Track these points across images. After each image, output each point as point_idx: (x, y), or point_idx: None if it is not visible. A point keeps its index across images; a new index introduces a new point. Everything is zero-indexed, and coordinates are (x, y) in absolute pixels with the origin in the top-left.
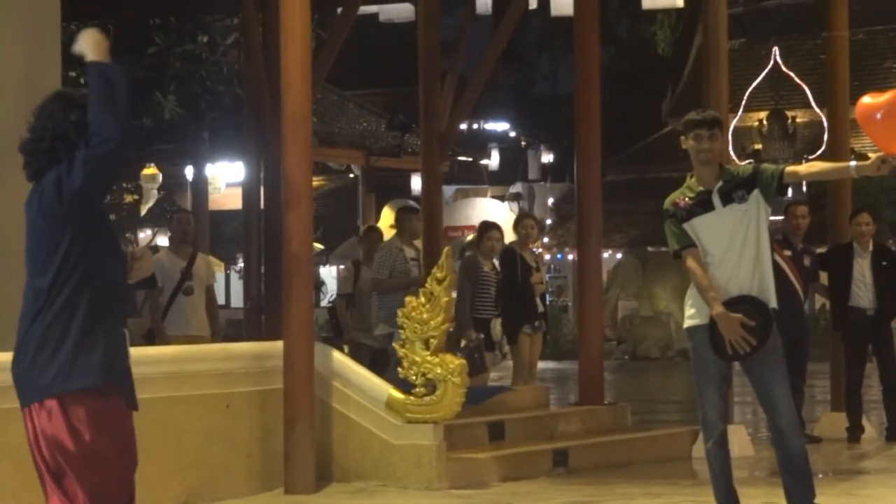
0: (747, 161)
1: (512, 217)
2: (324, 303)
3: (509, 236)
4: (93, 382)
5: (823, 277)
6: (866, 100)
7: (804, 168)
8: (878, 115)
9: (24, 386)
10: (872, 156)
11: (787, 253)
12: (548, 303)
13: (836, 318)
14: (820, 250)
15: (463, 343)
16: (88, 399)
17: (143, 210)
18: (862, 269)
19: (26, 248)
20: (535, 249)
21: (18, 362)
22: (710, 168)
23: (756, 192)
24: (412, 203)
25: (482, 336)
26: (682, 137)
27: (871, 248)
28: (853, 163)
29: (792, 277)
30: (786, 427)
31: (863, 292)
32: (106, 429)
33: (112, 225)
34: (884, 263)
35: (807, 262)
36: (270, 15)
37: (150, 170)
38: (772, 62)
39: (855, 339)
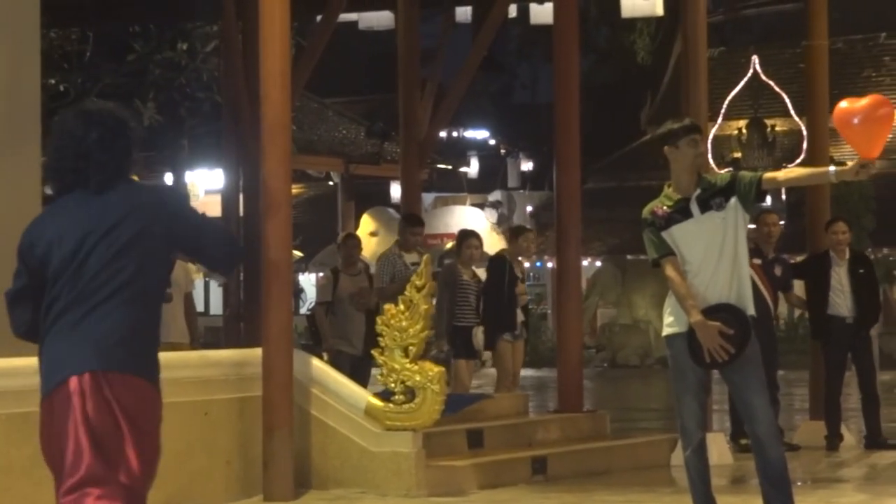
0: (726, 169)
1: (490, 225)
2: (303, 310)
3: (487, 244)
4: (154, 379)
5: (799, 286)
6: (843, 105)
7: (783, 174)
8: (856, 120)
9: (94, 354)
10: (850, 163)
11: (757, 262)
12: (529, 312)
13: (815, 327)
14: (798, 259)
15: (433, 352)
16: (143, 385)
17: None
18: (839, 277)
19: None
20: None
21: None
22: (692, 175)
23: (734, 200)
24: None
25: (451, 351)
26: (668, 147)
27: (847, 256)
28: (832, 168)
29: (761, 286)
30: (764, 435)
31: (841, 300)
32: (157, 418)
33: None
34: (861, 271)
35: (778, 271)
36: (250, 22)
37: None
38: (751, 71)
39: (834, 347)
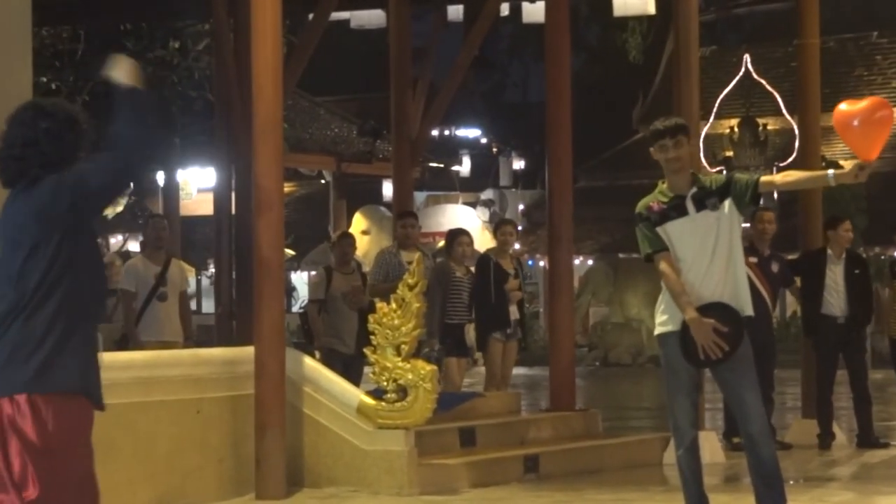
0: (718, 168)
1: (482, 223)
2: (295, 308)
3: (479, 242)
4: (69, 386)
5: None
6: (843, 107)
7: (780, 178)
8: (855, 123)
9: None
10: (844, 163)
11: (753, 260)
12: (525, 309)
13: (808, 325)
14: (791, 257)
15: (425, 350)
16: (59, 401)
17: (111, 214)
18: (835, 276)
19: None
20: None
21: None
22: (682, 175)
23: (729, 201)
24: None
25: (443, 349)
26: (651, 149)
27: (843, 255)
28: (831, 172)
29: (759, 284)
30: (757, 434)
31: (835, 300)
32: (71, 432)
33: (96, 233)
34: (856, 272)
35: (775, 268)
36: (242, 20)
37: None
38: (743, 69)
39: (826, 346)
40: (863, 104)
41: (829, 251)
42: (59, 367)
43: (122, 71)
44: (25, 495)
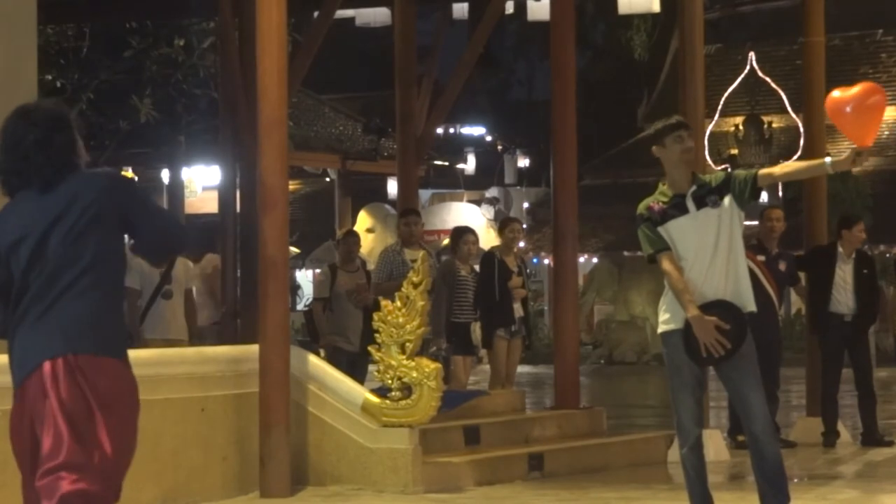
0: (722, 166)
1: (486, 221)
2: (300, 307)
3: (483, 240)
4: (124, 357)
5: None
6: (836, 94)
7: (779, 169)
8: (848, 109)
9: (64, 340)
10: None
11: (761, 258)
12: (529, 307)
13: (813, 322)
14: (797, 253)
15: (433, 349)
16: (119, 366)
17: None
18: (844, 274)
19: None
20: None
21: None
22: (687, 170)
23: (729, 198)
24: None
25: (450, 348)
26: (656, 147)
27: (853, 254)
28: (828, 159)
29: (765, 283)
30: (760, 432)
31: (843, 298)
32: (132, 396)
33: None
34: (865, 271)
35: (782, 266)
36: (247, 19)
37: (126, 173)
38: (748, 67)
39: (832, 344)
40: (854, 90)
41: (840, 249)
42: (113, 338)
43: None
44: (102, 456)
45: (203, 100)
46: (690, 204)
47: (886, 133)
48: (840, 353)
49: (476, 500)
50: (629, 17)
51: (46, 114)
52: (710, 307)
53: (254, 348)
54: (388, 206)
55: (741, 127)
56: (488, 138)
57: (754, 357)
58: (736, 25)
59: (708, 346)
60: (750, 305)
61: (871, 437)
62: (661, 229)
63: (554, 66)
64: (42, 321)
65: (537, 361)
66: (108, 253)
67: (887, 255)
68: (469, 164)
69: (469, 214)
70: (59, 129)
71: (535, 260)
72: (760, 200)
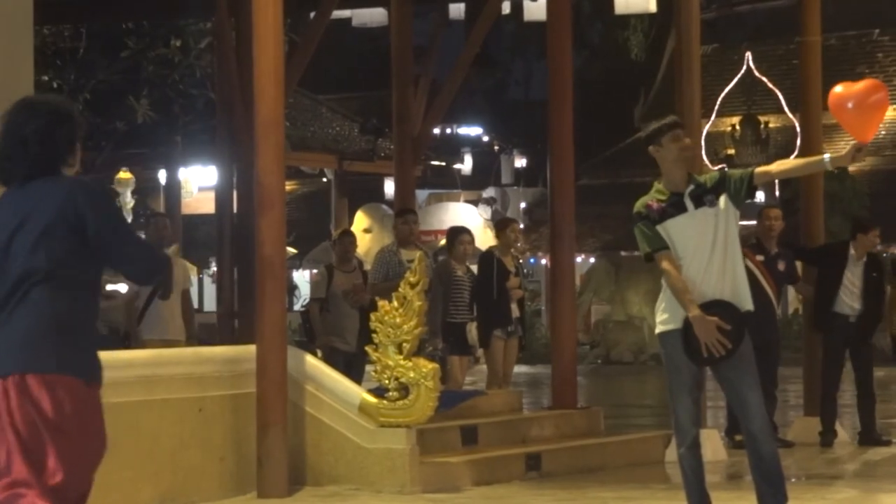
0: (719, 167)
1: (483, 221)
2: (297, 307)
3: (480, 240)
4: (85, 375)
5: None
6: (838, 89)
7: (775, 167)
8: (850, 105)
9: (20, 354)
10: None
11: (760, 258)
12: (525, 307)
13: (818, 321)
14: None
15: (429, 349)
16: (76, 385)
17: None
18: (853, 276)
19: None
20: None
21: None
22: (685, 169)
23: (724, 197)
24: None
25: (447, 348)
26: (652, 147)
27: (864, 257)
28: (827, 156)
29: (764, 282)
30: (758, 431)
31: (849, 299)
32: (88, 416)
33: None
34: (874, 275)
35: (781, 266)
36: (243, 19)
37: (124, 174)
38: (745, 67)
39: (834, 344)
40: (858, 86)
41: (852, 251)
42: (73, 351)
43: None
44: (53, 477)
45: (200, 100)
46: (688, 203)
47: (883, 133)
48: (842, 353)
49: (473, 500)
50: (626, 17)
51: (51, 106)
52: (709, 307)
53: (251, 349)
54: (384, 207)
55: (738, 127)
56: (485, 138)
57: (752, 356)
58: (732, 25)
59: (709, 346)
60: (747, 304)
61: (868, 437)
62: (659, 228)
63: (551, 67)
64: (2, 329)
65: (534, 361)
66: (70, 261)
67: (884, 254)
68: (466, 165)
69: (466, 214)
70: (61, 122)
71: (532, 260)
72: (757, 200)
